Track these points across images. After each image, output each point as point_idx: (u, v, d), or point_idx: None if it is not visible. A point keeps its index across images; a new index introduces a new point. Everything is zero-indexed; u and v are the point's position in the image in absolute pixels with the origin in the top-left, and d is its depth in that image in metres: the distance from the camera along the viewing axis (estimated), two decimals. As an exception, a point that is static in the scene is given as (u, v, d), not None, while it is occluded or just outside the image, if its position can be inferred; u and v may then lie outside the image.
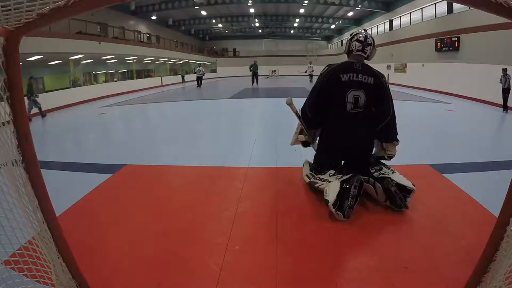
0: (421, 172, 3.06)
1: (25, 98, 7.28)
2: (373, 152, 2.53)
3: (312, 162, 2.74)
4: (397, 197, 2.14)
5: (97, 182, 2.91)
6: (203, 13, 23.68)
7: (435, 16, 13.61)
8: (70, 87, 12.16)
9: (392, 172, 2.35)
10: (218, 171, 3.29)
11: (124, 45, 15.76)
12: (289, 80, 21.43)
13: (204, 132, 5.90)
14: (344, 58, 2.49)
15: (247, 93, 13.60)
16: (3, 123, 1.00)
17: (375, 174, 2.34)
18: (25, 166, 1.05)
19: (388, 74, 16.55)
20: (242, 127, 6.37)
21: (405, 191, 2.20)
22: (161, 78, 20.08)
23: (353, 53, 2.38)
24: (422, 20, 14.82)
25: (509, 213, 1.06)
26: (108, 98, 12.82)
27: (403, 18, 17.07)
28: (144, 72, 20.96)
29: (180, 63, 24.50)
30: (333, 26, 28.66)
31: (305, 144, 2.70)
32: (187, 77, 22.69)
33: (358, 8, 20.09)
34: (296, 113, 2.58)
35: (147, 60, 19.31)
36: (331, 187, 2.16)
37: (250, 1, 20.31)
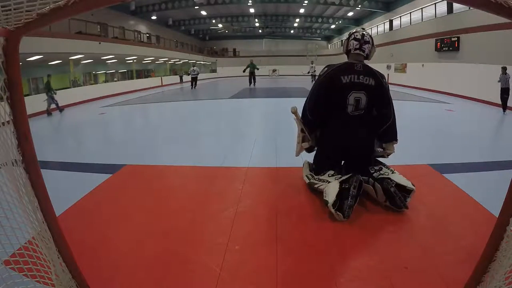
0: (421, 172, 3.06)
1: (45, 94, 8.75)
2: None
3: (311, 162, 2.73)
4: (396, 198, 2.13)
5: (97, 182, 2.91)
6: (203, 13, 23.68)
7: (435, 16, 13.62)
8: (70, 87, 12.17)
9: (392, 172, 2.34)
10: (218, 171, 3.29)
11: (124, 45, 15.77)
12: (289, 80, 21.44)
13: (204, 132, 5.90)
14: (345, 58, 2.48)
15: (247, 93, 13.60)
16: (3, 123, 1.00)
17: (375, 175, 2.33)
18: (25, 166, 1.05)
19: (388, 74, 16.55)
20: (242, 127, 6.37)
21: (405, 191, 2.20)
22: (161, 78, 20.08)
23: (352, 52, 2.35)
24: (422, 20, 14.83)
25: (509, 213, 1.06)
26: (108, 98, 12.82)
27: (403, 18, 17.07)
28: (144, 72, 20.95)
29: (180, 63, 24.50)
30: (333, 26, 28.66)
31: (310, 149, 2.66)
32: (187, 77, 22.68)
33: (358, 8, 20.10)
34: (300, 122, 2.52)
35: (147, 60, 19.31)
36: (331, 188, 2.16)
37: (250, 1, 20.31)
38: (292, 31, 31.53)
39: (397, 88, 14.30)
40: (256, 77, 17.16)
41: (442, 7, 13.01)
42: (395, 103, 2.48)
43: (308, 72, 18.60)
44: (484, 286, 1.15)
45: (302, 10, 24.01)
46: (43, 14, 0.90)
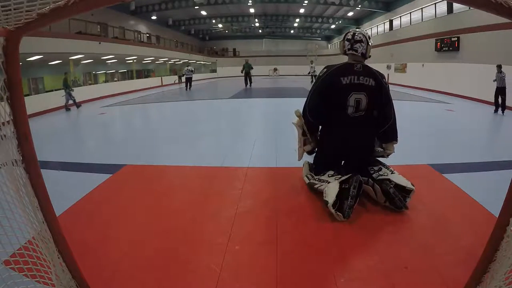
0: (421, 172, 3.06)
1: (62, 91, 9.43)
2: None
3: (311, 162, 2.73)
4: (396, 199, 2.13)
5: (97, 182, 2.91)
6: (203, 13, 23.69)
7: (435, 16, 13.61)
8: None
9: (392, 173, 2.34)
10: (218, 171, 3.29)
11: (124, 45, 15.76)
12: (289, 80, 21.43)
13: (204, 132, 5.90)
14: (344, 58, 2.47)
15: (246, 93, 13.60)
16: (3, 123, 1.00)
17: (374, 175, 2.32)
18: (25, 166, 1.05)
19: (388, 74, 16.54)
20: (242, 127, 6.36)
21: (405, 192, 2.19)
22: (161, 78, 20.08)
23: (347, 52, 2.36)
24: (422, 20, 14.83)
25: (509, 213, 1.06)
26: (108, 98, 12.81)
27: (403, 18, 17.07)
28: (144, 72, 20.95)
29: (180, 63, 24.52)
30: (333, 26, 28.67)
31: (311, 152, 2.65)
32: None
33: (358, 8, 20.11)
34: (302, 126, 2.51)
35: (147, 60, 19.31)
36: (330, 188, 2.16)
37: (250, 1, 20.31)
38: (292, 31, 31.54)
39: (397, 88, 14.30)
40: (256, 77, 17.02)
41: (442, 7, 13.01)
42: (395, 103, 2.48)
43: (309, 73, 18.15)
44: (484, 286, 1.15)
45: (302, 10, 24.02)
46: (43, 14, 0.90)
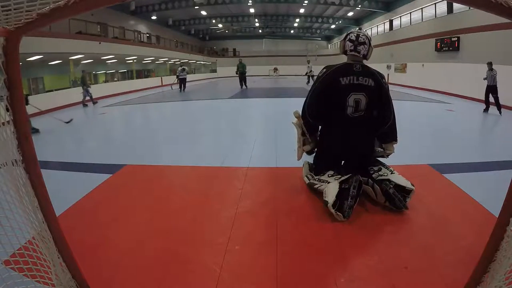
0: (421, 172, 3.06)
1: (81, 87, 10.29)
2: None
3: (311, 163, 2.73)
4: (396, 199, 2.13)
5: (97, 182, 2.91)
6: (203, 13, 23.68)
7: (435, 16, 13.62)
8: (70, 87, 12.16)
9: (391, 173, 2.33)
10: (218, 171, 3.29)
11: (124, 45, 15.76)
12: (290, 80, 21.43)
13: (204, 132, 5.90)
14: (344, 58, 2.47)
15: (246, 93, 13.60)
16: (3, 123, 1.00)
17: (374, 176, 2.32)
18: (25, 166, 1.05)
19: (388, 74, 16.55)
20: (242, 127, 6.37)
21: (405, 192, 2.19)
22: (161, 78, 20.08)
23: (348, 53, 2.35)
24: (422, 20, 14.83)
25: (509, 213, 1.06)
26: (108, 98, 12.81)
27: (403, 18, 17.08)
28: (144, 72, 20.96)
29: (180, 63, 24.53)
30: (333, 26, 28.67)
31: (311, 152, 2.65)
32: (187, 77, 22.58)
33: (358, 8, 20.10)
34: (302, 126, 2.50)
35: (147, 60, 19.31)
36: (330, 188, 2.15)
37: (250, 1, 20.31)
38: (292, 31, 31.54)
39: (397, 88, 14.31)
40: (256, 77, 16.86)
41: (442, 7, 13.01)
42: (395, 103, 2.48)
43: (306, 73, 17.54)
44: (484, 286, 1.15)
45: (302, 10, 24.02)
46: (43, 14, 0.90)
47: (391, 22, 18.79)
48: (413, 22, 15.87)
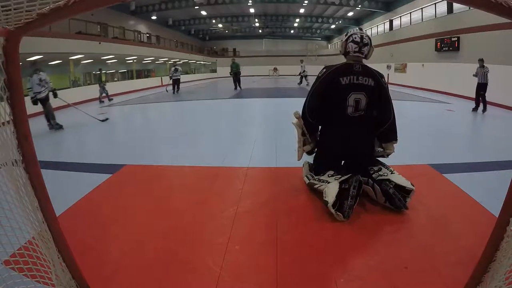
0: (421, 172, 3.06)
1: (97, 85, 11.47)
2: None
3: (311, 163, 2.73)
4: (396, 199, 2.13)
5: (97, 182, 2.91)
6: (203, 13, 23.67)
7: (435, 16, 13.61)
8: (70, 87, 12.16)
9: (391, 173, 2.33)
10: (218, 171, 3.29)
11: (124, 45, 15.76)
12: (289, 80, 21.43)
13: (204, 132, 5.90)
14: (343, 58, 2.47)
15: (246, 93, 13.59)
16: (3, 123, 1.00)
17: (374, 176, 2.32)
18: (25, 166, 1.05)
19: (388, 74, 16.55)
20: (242, 127, 6.36)
21: (404, 192, 2.20)
22: (161, 78, 20.07)
23: (350, 54, 2.34)
24: (422, 20, 14.82)
25: (509, 213, 1.06)
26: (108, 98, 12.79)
27: (403, 18, 17.06)
28: (144, 72, 20.94)
29: (180, 63, 24.52)
30: (333, 26, 28.65)
31: (311, 152, 2.65)
32: (187, 77, 22.60)
33: (358, 8, 20.08)
34: (302, 126, 2.50)
35: (147, 60, 19.30)
36: (330, 188, 2.16)
37: (250, 1, 20.29)
38: (292, 31, 31.52)
39: (397, 88, 14.30)
40: (256, 77, 16.70)
41: (442, 7, 13.00)
42: (395, 103, 2.48)
43: (299, 73, 17.11)
44: (484, 286, 1.15)
45: (302, 10, 24.00)
46: (43, 14, 0.90)
47: (391, 22, 18.78)
48: (413, 22, 15.86)
